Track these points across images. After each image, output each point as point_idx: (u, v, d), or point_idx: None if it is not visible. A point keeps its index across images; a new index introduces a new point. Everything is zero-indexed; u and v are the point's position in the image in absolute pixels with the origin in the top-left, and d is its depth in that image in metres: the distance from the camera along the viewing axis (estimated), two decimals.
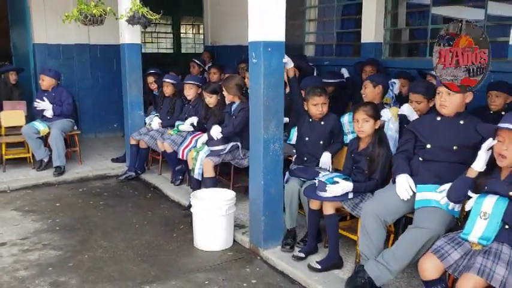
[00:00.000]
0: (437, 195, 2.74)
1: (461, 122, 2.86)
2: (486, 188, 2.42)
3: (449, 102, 2.82)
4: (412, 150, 3.07)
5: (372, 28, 5.59)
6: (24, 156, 6.00)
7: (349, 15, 6.29)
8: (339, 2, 6.28)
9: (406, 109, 3.65)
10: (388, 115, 3.69)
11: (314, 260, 3.32)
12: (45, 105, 5.87)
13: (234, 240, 3.88)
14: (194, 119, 4.99)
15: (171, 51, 14.13)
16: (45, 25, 7.35)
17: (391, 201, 2.92)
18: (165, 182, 5.42)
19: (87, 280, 3.26)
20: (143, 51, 14.30)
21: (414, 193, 2.86)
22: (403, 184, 2.88)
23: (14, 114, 6.04)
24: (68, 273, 3.36)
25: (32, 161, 5.96)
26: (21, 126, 5.82)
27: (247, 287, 3.19)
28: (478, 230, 2.34)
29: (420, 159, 2.95)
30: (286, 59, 3.53)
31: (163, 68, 6.93)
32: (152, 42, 15.18)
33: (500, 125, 2.34)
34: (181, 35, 14.41)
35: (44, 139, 5.83)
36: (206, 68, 7.19)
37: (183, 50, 14.57)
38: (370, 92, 4.00)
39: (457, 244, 2.37)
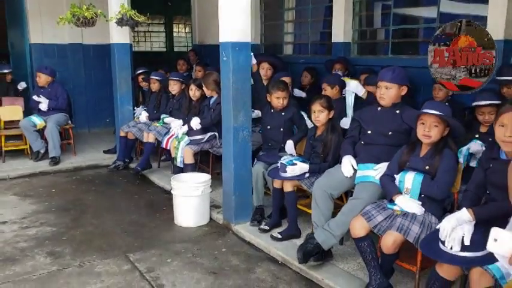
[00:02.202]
0: (373, 172, 3.25)
1: (397, 112, 3.35)
2: (408, 164, 2.92)
3: (386, 95, 3.32)
4: (357, 135, 3.56)
5: (341, 29, 6.10)
6: (22, 148, 6.51)
7: (323, 17, 6.77)
8: (313, 5, 6.79)
9: (354, 86, 4.18)
10: (353, 85, 4.24)
11: (277, 231, 3.83)
12: (43, 100, 6.33)
13: (211, 218, 4.38)
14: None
15: (164, 49, 14.51)
16: (41, 26, 7.81)
17: (336, 178, 3.42)
18: (152, 170, 5.91)
19: (78, 250, 3.75)
20: (137, 49, 14.77)
21: (356, 171, 3.36)
22: (347, 164, 3.39)
23: (12, 109, 6.54)
24: (62, 244, 3.85)
25: (29, 152, 6.44)
26: (19, 120, 6.32)
27: (217, 254, 3.69)
28: None
29: (362, 142, 3.46)
30: (254, 61, 4.00)
31: (156, 66, 7.39)
32: (145, 41, 15.63)
33: (422, 110, 2.84)
34: (174, 33, 14.85)
35: (41, 132, 6.31)
36: (194, 66, 7.70)
37: (175, 49, 14.90)
38: (329, 93, 4.50)
39: (382, 209, 2.87)
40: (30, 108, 6.62)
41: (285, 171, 3.72)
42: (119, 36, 6.08)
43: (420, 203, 2.77)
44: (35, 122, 6.21)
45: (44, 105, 6.35)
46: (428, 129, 2.79)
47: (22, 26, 7.88)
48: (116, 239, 3.98)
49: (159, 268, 3.44)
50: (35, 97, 6.42)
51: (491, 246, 1.68)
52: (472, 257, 2.12)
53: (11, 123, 6.50)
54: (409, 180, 2.82)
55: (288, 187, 3.77)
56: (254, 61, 4.18)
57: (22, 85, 7.43)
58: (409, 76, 3.60)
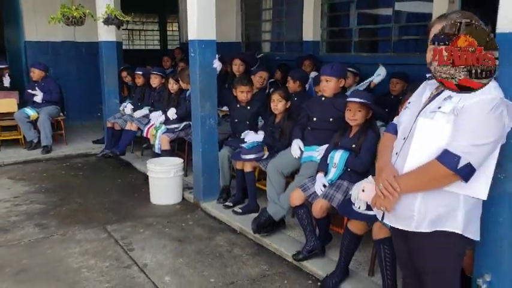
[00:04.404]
0: (316, 153, 3.76)
1: (337, 101, 3.86)
2: (339, 144, 3.43)
3: (327, 87, 3.82)
4: (306, 122, 4.07)
5: (310, 28, 6.61)
6: (16, 138, 7.02)
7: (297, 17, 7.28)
8: (287, 6, 7.30)
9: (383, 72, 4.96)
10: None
11: (238, 207, 4.35)
12: (37, 93, 6.84)
13: (183, 198, 4.90)
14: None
15: (158, 47, 14.95)
16: (35, 24, 8.29)
17: (287, 158, 3.94)
18: (136, 158, 6.42)
19: (63, 222, 4.27)
20: (132, 48, 15.21)
21: (303, 152, 3.88)
22: (295, 147, 3.90)
23: (7, 102, 7.03)
24: (49, 218, 4.36)
25: (23, 142, 6.95)
26: (13, 112, 6.83)
27: (184, 226, 4.21)
28: (331, 175, 3.36)
29: (309, 128, 3.97)
30: (217, 64, 4.47)
31: (150, 63, 7.84)
32: (140, 40, 16.10)
33: (347, 99, 3.35)
34: (168, 32, 15.31)
35: (34, 123, 6.82)
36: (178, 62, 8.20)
37: (169, 47, 15.31)
38: (292, 86, 5.01)
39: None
40: (25, 100, 7.12)
41: (245, 154, 4.23)
42: (106, 34, 6.58)
43: (325, 184, 3.30)
44: (29, 113, 6.72)
45: (38, 97, 6.86)
46: (353, 114, 3.29)
47: (17, 24, 8.38)
48: (96, 214, 4.49)
49: (132, 236, 3.96)
50: (29, 90, 6.93)
51: (360, 195, 2.19)
52: (373, 215, 2.63)
53: (6, 115, 6.99)
54: (337, 157, 3.33)
55: (248, 168, 4.29)
56: (216, 64, 4.51)
57: (7, 80, 7.75)
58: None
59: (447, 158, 1.81)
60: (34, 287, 3.14)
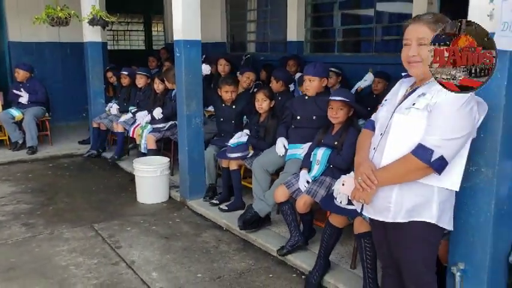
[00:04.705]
0: (300, 150, 3.85)
1: (321, 100, 3.97)
2: (322, 141, 3.53)
3: (310, 86, 3.91)
4: (290, 121, 4.17)
5: (294, 29, 6.72)
6: (1, 139, 6.99)
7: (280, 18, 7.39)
8: (272, 6, 7.40)
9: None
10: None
11: (224, 205, 4.42)
12: (23, 94, 6.84)
13: (170, 197, 4.96)
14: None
15: (143, 48, 14.92)
16: (19, 25, 8.24)
17: (272, 156, 4.03)
18: (121, 158, 6.43)
19: (51, 221, 4.30)
20: (117, 48, 15.13)
21: (287, 150, 3.97)
22: (280, 145, 4.00)
23: None
24: (36, 218, 4.39)
25: (8, 143, 6.93)
26: None
27: (171, 223, 4.27)
28: (314, 171, 3.45)
29: (293, 126, 4.06)
30: (205, 69, 4.55)
31: (136, 64, 7.86)
32: (125, 40, 16.06)
33: (330, 98, 3.45)
34: (153, 32, 15.30)
35: (19, 124, 6.81)
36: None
37: (154, 47, 15.28)
38: (275, 86, 5.10)
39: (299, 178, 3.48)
40: (10, 101, 7.10)
41: (231, 152, 4.31)
42: (92, 35, 6.60)
43: (308, 181, 3.40)
44: (14, 114, 6.71)
45: (24, 98, 6.85)
46: (335, 112, 3.40)
47: (1, 25, 8.33)
48: (84, 213, 4.53)
49: (119, 234, 4.01)
50: (15, 90, 6.91)
51: (340, 189, 2.29)
52: (354, 209, 2.73)
53: None
54: (320, 154, 3.43)
55: (233, 166, 4.37)
56: (206, 71, 4.58)
57: None
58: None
59: (421, 152, 1.92)
60: (24, 284, 3.18)
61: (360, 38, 6.21)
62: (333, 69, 5.33)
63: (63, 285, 3.16)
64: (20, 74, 6.94)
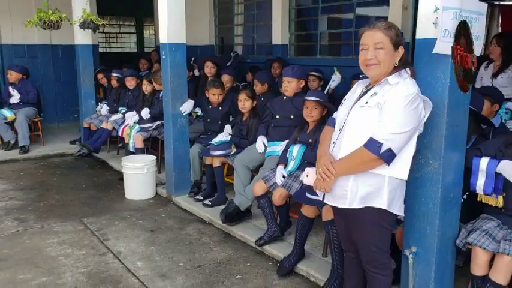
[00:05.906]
0: (278, 147, 4.08)
1: (297, 100, 4.20)
2: (298, 139, 3.76)
3: (289, 87, 4.14)
4: (270, 120, 4.40)
5: (279, 32, 6.96)
6: None
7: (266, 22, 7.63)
8: (258, 10, 7.64)
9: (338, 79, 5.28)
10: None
11: (208, 200, 4.64)
12: (15, 94, 7.03)
13: (157, 193, 5.17)
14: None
15: (135, 50, 15.10)
16: (11, 27, 8.40)
17: (252, 153, 4.26)
18: (111, 157, 6.65)
19: (41, 217, 4.50)
20: (108, 50, 15.27)
21: (266, 147, 4.20)
22: (260, 142, 4.23)
23: None
24: (28, 213, 4.59)
25: (0, 142, 7.10)
26: None
27: (157, 218, 4.49)
28: (290, 166, 3.68)
29: (272, 125, 4.29)
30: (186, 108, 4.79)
31: (128, 66, 8.04)
32: (117, 42, 16.25)
33: (305, 97, 3.68)
34: (145, 35, 15.50)
35: (11, 124, 6.99)
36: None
37: (146, 49, 15.45)
38: (259, 88, 5.31)
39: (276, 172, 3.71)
40: (1, 102, 7.28)
41: (214, 150, 4.53)
42: (83, 38, 6.80)
43: (284, 175, 3.62)
44: (6, 114, 6.89)
45: (16, 98, 7.03)
46: (310, 111, 3.63)
47: None
48: (74, 208, 4.73)
49: (107, 228, 4.22)
50: (9, 88, 7.09)
51: (304, 180, 2.52)
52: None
53: None
54: (296, 150, 3.65)
55: (216, 163, 4.59)
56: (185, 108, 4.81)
57: None
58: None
59: (371, 145, 2.15)
60: (15, 272, 3.38)
61: (340, 41, 6.45)
62: (314, 73, 5.54)
63: (53, 273, 3.36)
64: (13, 76, 7.13)
